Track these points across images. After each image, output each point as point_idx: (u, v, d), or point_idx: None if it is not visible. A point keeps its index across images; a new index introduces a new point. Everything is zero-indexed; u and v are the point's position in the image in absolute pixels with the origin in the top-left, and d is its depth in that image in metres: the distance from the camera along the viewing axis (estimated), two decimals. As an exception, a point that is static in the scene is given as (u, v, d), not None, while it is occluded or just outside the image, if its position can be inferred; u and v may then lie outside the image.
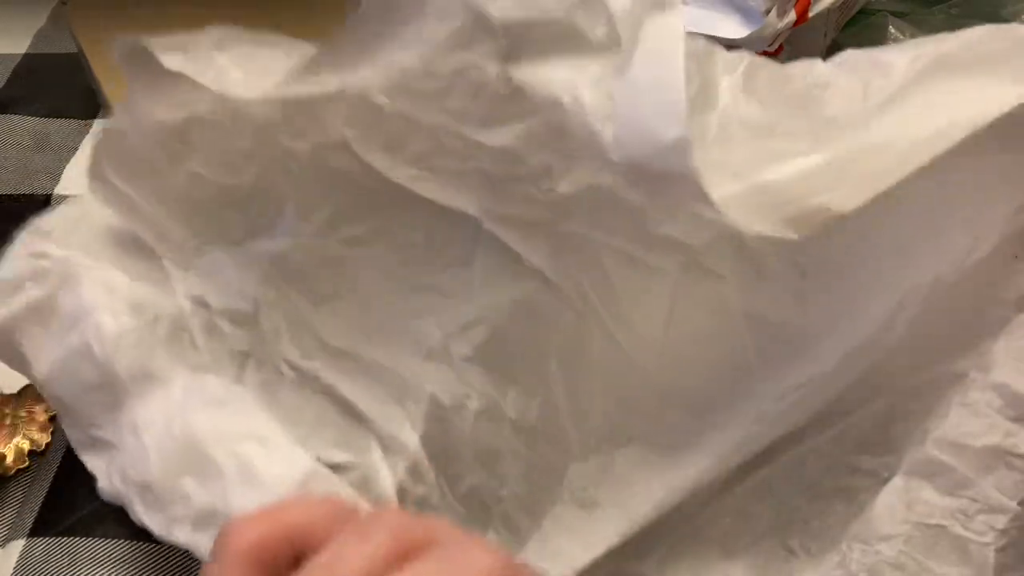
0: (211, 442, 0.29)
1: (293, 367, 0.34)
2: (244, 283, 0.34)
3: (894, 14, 0.55)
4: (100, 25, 0.52)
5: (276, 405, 0.33)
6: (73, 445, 0.33)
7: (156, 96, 0.32)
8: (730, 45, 0.51)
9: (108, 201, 0.33)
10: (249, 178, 0.33)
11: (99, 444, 0.32)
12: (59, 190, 0.50)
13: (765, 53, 0.50)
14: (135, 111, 0.32)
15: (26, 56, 0.58)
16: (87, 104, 0.54)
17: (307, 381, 0.34)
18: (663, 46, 0.26)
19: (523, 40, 0.27)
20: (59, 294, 0.32)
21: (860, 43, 0.55)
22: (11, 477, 0.38)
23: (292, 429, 0.32)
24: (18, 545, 0.36)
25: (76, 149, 0.52)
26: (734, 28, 0.50)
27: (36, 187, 0.50)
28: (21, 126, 0.53)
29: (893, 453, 0.32)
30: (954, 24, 0.55)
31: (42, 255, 0.33)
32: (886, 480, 0.31)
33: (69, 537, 0.36)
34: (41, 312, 0.32)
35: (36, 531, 0.37)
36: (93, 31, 0.51)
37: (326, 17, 0.52)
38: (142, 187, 0.33)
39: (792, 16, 0.49)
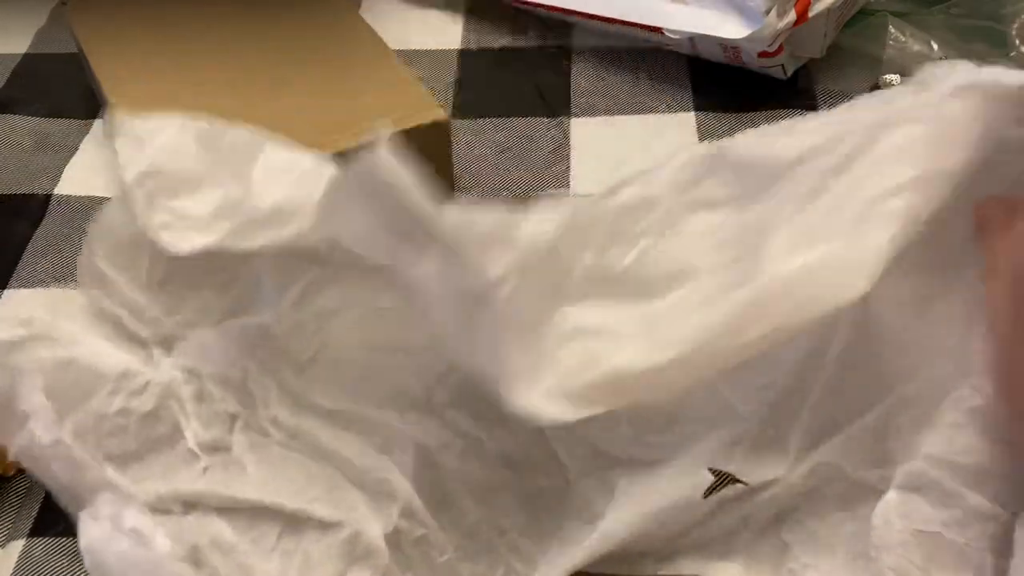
0: None
1: (280, 427, 0.36)
2: (231, 355, 0.35)
3: (894, 14, 0.55)
4: (100, 25, 0.52)
5: (265, 464, 0.35)
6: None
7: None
8: (729, 44, 0.51)
9: (95, 285, 0.35)
10: (227, 264, 0.35)
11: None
12: (59, 190, 0.50)
13: (765, 54, 0.51)
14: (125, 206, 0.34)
15: (26, 56, 0.58)
16: (87, 104, 0.54)
17: (294, 440, 0.35)
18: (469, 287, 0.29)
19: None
20: (17, 387, 0.32)
21: (861, 43, 0.55)
22: (11, 477, 0.38)
23: (281, 487, 0.34)
24: (18, 545, 0.36)
25: (76, 149, 0.52)
26: (734, 28, 0.50)
27: (36, 187, 0.50)
28: (21, 126, 0.53)
29: (888, 464, 0.32)
30: (954, 24, 0.55)
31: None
32: (880, 492, 0.32)
33: (69, 538, 0.36)
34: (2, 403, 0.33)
35: (36, 531, 0.36)
36: (93, 31, 0.51)
37: (324, 17, 0.52)
38: (127, 274, 0.35)
39: (792, 16, 0.49)
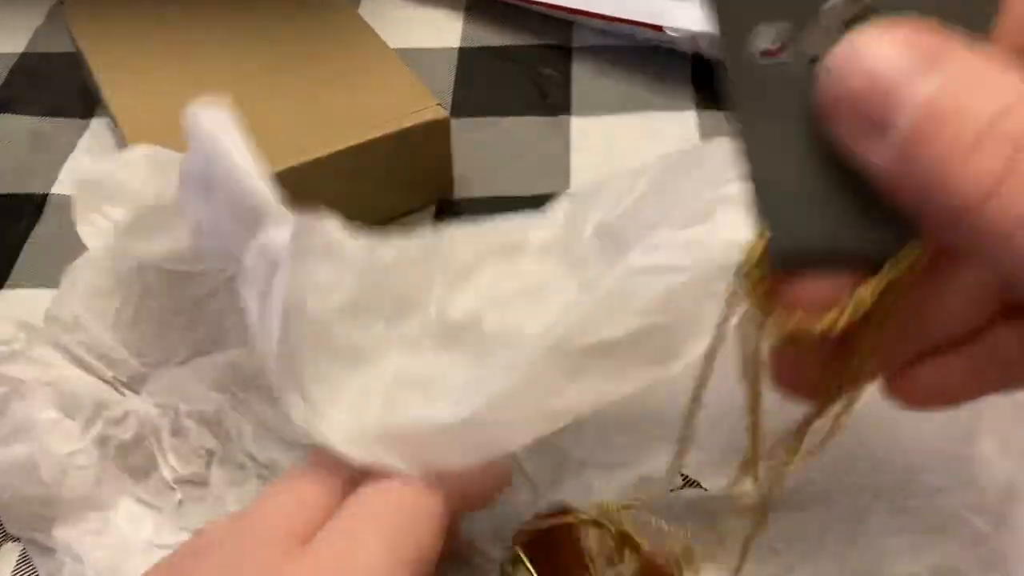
0: None
1: (255, 461, 0.36)
2: (202, 391, 0.37)
3: (896, 12, 0.54)
4: (98, 24, 0.51)
5: (243, 498, 0.36)
6: (13, 534, 0.35)
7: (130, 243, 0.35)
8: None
9: (66, 327, 0.36)
10: (194, 302, 0.36)
11: (41, 548, 0.34)
12: (56, 189, 0.49)
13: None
14: (102, 254, 0.36)
15: (24, 55, 0.58)
16: (85, 103, 0.54)
17: (270, 472, 0.36)
18: (274, 298, 0.28)
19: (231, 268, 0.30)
20: (9, 399, 0.33)
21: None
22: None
23: None
24: (16, 547, 0.36)
25: (74, 148, 0.52)
26: (736, 26, 0.49)
27: (33, 186, 0.50)
28: (18, 125, 0.53)
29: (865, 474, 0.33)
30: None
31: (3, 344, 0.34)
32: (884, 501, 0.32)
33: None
34: None
35: (33, 533, 0.36)
36: (91, 30, 0.51)
37: (322, 15, 0.52)
38: (99, 317, 0.36)
39: (794, 14, 0.49)
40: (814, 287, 0.19)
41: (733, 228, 0.25)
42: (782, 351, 0.22)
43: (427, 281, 0.31)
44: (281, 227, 0.27)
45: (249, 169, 0.27)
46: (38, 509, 0.33)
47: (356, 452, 0.26)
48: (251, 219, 0.27)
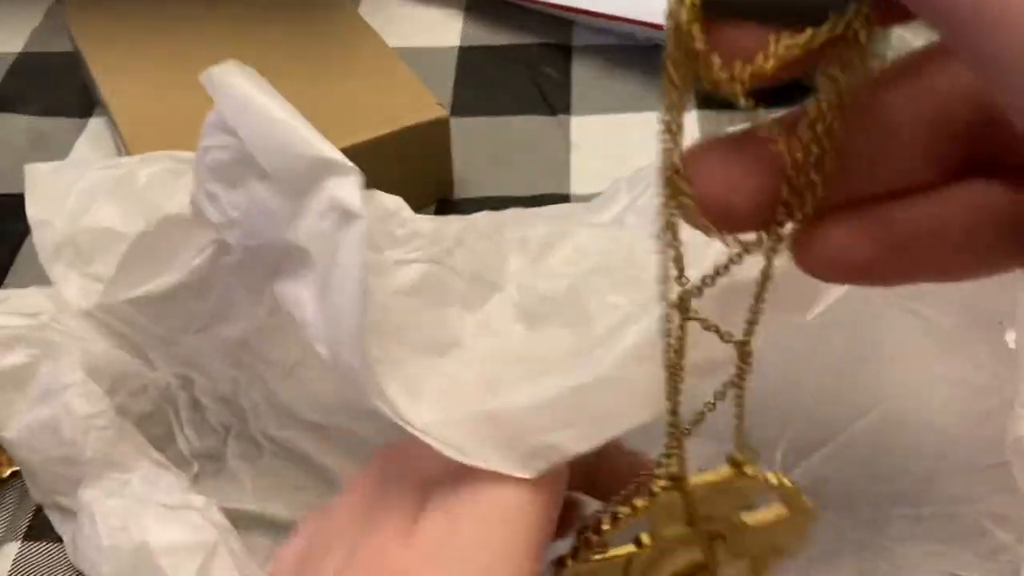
0: (161, 551, 0.30)
1: (270, 438, 0.36)
2: (220, 364, 0.36)
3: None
4: (96, 23, 0.51)
5: (256, 474, 0.35)
6: (37, 501, 0.36)
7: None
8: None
9: (86, 296, 0.35)
10: (202, 273, 0.34)
11: (63, 510, 0.34)
12: (55, 189, 0.49)
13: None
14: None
15: (22, 54, 0.58)
16: (83, 102, 0.54)
17: (284, 450, 0.36)
18: (346, 267, 0.23)
19: (266, 260, 0.26)
20: (39, 362, 0.33)
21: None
22: (7, 480, 0.38)
23: (275, 497, 0.35)
24: (13, 548, 0.36)
25: (72, 147, 0.52)
26: (736, 26, 0.49)
27: (32, 186, 0.49)
28: (17, 124, 0.53)
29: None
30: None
31: (31, 316, 0.34)
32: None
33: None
34: (18, 377, 0.33)
35: (31, 535, 0.36)
36: (89, 29, 0.51)
37: (322, 15, 0.52)
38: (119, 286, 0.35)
39: (795, 13, 0.48)
40: (743, 33, 0.16)
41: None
42: (710, 160, 0.18)
43: (501, 260, 0.29)
44: (350, 178, 0.23)
45: (298, 121, 0.24)
46: (63, 470, 0.33)
47: (455, 442, 0.23)
48: (311, 175, 0.23)
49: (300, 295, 0.25)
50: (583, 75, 0.55)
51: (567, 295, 0.28)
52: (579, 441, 0.22)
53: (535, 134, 0.52)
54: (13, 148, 0.52)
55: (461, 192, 0.49)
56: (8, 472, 0.38)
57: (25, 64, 0.57)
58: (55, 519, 0.35)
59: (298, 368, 0.35)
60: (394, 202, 0.26)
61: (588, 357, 0.23)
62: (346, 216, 0.23)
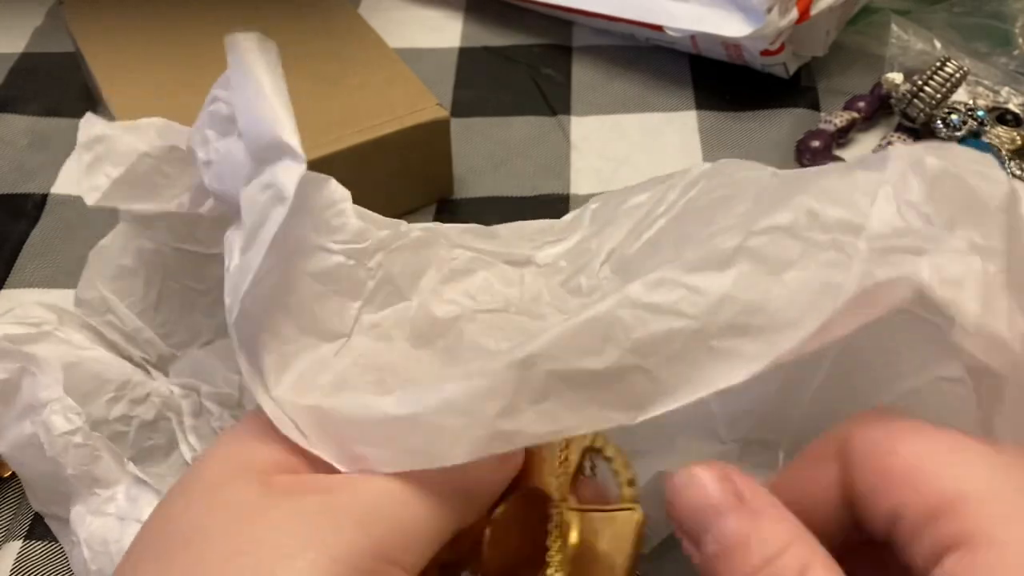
0: None
1: None
2: (223, 373, 0.36)
3: (897, 12, 0.54)
4: (97, 24, 0.51)
5: None
6: (36, 510, 0.36)
7: (137, 226, 0.36)
8: (731, 43, 0.51)
9: (94, 310, 0.36)
10: (213, 283, 0.35)
11: (62, 522, 0.34)
12: (55, 189, 0.49)
13: (767, 52, 0.50)
14: (124, 235, 0.36)
15: (23, 55, 0.58)
16: (84, 103, 0.54)
17: None
18: (260, 241, 0.26)
19: (226, 205, 0.29)
20: (20, 377, 0.33)
21: (863, 41, 0.55)
22: (8, 479, 0.38)
23: None
24: (14, 547, 0.36)
25: (73, 148, 0.51)
26: (736, 26, 0.49)
27: (32, 186, 0.50)
28: (18, 125, 0.53)
29: None
30: (957, 22, 0.55)
31: (32, 326, 0.35)
32: None
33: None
34: (4, 391, 0.33)
35: (32, 534, 0.36)
36: (90, 30, 0.51)
37: (322, 15, 0.52)
38: (125, 299, 0.36)
39: (794, 14, 0.49)
40: None
41: (750, 287, 0.23)
42: None
43: (418, 273, 0.30)
44: (294, 165, 0.26)
45: (279, 102, 0.26)
46: (53, 485, 0.33)
47: (290, 429, 0.25)
48: (267, 151, 0.26)
49: (233, 245, 0.27)
50: (583, 75, 0.56)
51: (451, 325, 0.29)
52: (385, 464, 0.24)
53: (535, 134, 0.52)
54: (13, 149, 0.52)
55: (461, 192, 0.49)
56: (9, 472, 0.38)
57: (25, 64, 0.57)
58: (54, 527, 0.36)
59: None
60: (341, 194, 0.28)
61: (415, 390, 0.24)
62: (278, 197, 0.26)
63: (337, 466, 0.24)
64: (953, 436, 0.22)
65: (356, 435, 0.24)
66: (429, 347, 0.29)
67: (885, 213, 0.23)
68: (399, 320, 0.29)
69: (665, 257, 0.27)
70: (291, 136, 0.26)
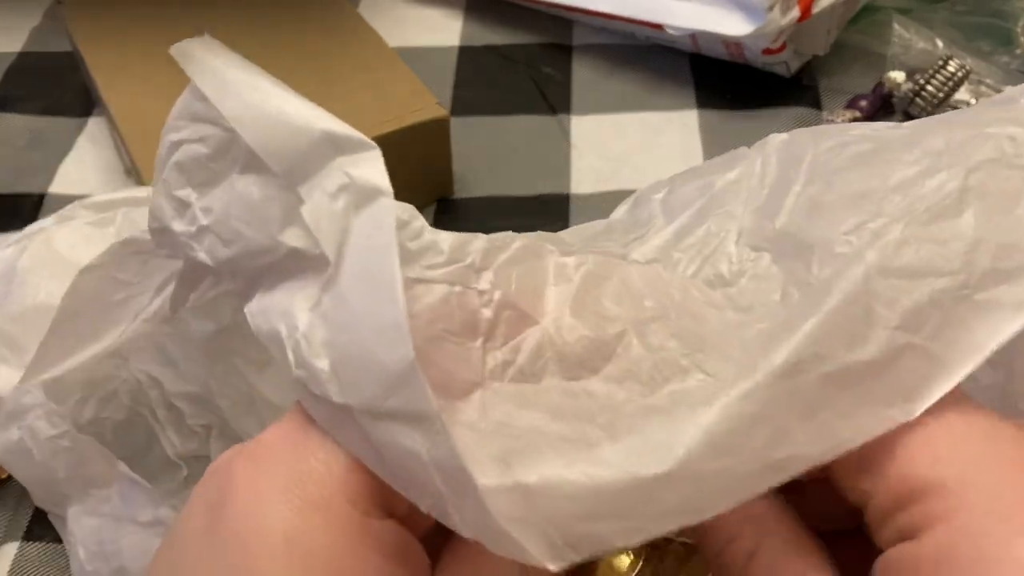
0: (137, 572, 0.30)
1: (252, 437, 0.35)
2: (188, 364, 0.34)
3: (898, 11, 0.54)
4: (96, 24, 0.51)
5: None
6: (39, 507, 0.35)
7: None
8: (732, 41, 0.50)
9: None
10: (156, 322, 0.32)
11: (61, 518, 0.33)
12: (53, 189, 0.49)
13: (768, 51, 0.50)
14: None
15: (21, 55, 0.58)
16: (82, 103, 0.54)
17: None
18: (373, 249, 0.19)
19: (243, 274, 0.22)
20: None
21: (865, 40, 0.55)
22: (7, 480, 0.37)
23: None
24: (12, 548, 0.36)
25: (71, 147, 0.51)
26: (737, 25, 0.49)
27: (31, 186, 0.49)
28: (16, 124, 0.53)
29: None
30: (958, 21, 0.55)
31: None
32: None
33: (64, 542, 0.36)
34: None
35: (31, 535, 0.36)
36: (88, 29, 0.51)
37: (322, 14, 0.52)
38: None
39: (795, 13, 0.48)
40: None
41: (994, 227, 0.20)
42: None
43: (538, 288, 0.23)
44: (367, 153, 0.20)
45: (291, 95, 0.21)
46: (49, 487, 0.33)
47: (521, 531, 0.18)
48: (312, 155, 0.20)
49: (288, 305, 0.20)
50: (583, 75, 0.55)
51: (614, 343, 0.23)
52: (629, 535, 0.19)
53: (535, 134, 0.52)
54: (11, 148, 0.52)
55: (461, 191, 0.49)
56: (6, 474, 0.38)
57: (24, 64, 0.57)
58: (57, 524, 0.35)
59: (271, 361, 0.35)
60: (406, 211, 0.22)
61: (645, 433, 0.19)
62: (367, 194, 0.19)
63: (548, 565, 0.18)
64: (950, 416, 0.19)
65: (579, 511, 0.19)
66: (595, 376, 0.22)
67: None
68: (538, 350, 0.22)
69: (840, 219, 0.23)
70: (336, 123, 0.20)
